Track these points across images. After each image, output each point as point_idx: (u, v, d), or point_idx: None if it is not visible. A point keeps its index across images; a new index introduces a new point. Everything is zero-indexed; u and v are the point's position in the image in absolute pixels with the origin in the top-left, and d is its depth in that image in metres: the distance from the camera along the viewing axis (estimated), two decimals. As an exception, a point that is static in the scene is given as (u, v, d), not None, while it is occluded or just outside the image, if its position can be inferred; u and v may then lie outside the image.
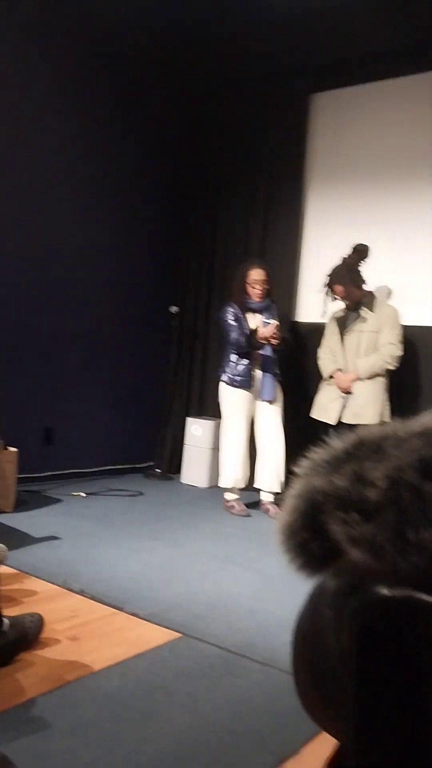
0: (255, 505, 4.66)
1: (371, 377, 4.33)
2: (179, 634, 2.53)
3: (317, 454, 0.66)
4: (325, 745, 1.05)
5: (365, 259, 4.43)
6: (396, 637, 0.58)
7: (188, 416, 5.55)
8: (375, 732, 0.59)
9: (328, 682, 0.71)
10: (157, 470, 5.49)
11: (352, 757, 0.60)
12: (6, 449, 4.11)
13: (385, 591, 0.57)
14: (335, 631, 0.65)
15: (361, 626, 0.59)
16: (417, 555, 0.57)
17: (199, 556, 3.54)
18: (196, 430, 5.35)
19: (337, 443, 0.66)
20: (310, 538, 0.65)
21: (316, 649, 0.75)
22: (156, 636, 2.50)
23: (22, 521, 3.87)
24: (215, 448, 5.04)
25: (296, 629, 0.85)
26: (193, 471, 5.35)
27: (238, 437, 4.58)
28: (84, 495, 4.64)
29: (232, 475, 4.58)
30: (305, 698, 0.82)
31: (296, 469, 0.71)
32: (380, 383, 4.35)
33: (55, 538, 3.62)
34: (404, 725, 0.58)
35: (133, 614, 2.68)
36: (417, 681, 0.57)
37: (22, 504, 4.22)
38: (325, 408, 4.46)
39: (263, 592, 3.04)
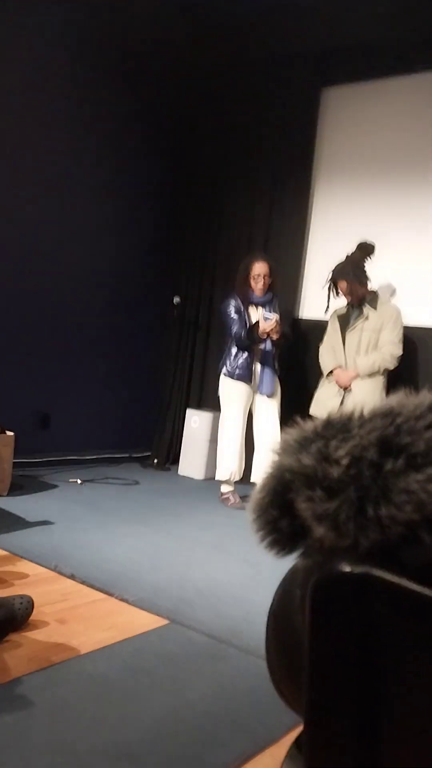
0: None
1: (371, 375, 4.34)
2: (166, 620, 2.54)
3: (289, 435, 0.68)
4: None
5: (370, 257, 4.43)
6: (351, 613, 0.59)
7: (188, 407, 5.56)
8: (326, 708, 0.60)
9: (294, 659, 0.73)
10: (155, 460, 5.50)
11: (304, 731, 0.62)
12: (3, 433, 4.13)
13: (343, 567, 0.58)
14: (302, 609, 0.67)
15: (316, 600, 0.60)
16: (376, 531, 0.58)
17: (190, 545, 3.55)
18: (195, 421, 5.37)
19: (308, 424, 0.67)
20: (279, 516, 0.66)
21: (284, 627, 0.76)
22: (144, 621, 2.52)
23: (17, 505, 3.89)
24: (213, 440, 5.05)
25: (270, 609, 0.86)
26: (190, 462, 5.36)
27: (235, 430, 4.59)
28: (79, 482, 4.66)
29: (228, 467, 4.60)
30: (274, 676, 0.84)
31: (271, 450, 0.73)
32: (379, 382, 4.36)
33: (48, 522, 3.64)
34: (356, 701, 0.59)
35: (122, 599, 2.70)
36: (370, 656, 0.58)
37: (17, 488, 4.24)
38: (324, 404, 4.46)
39: (252, 582, 3.06)
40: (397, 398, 0.67)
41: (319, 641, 0.61)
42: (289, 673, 0.75)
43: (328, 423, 0.65)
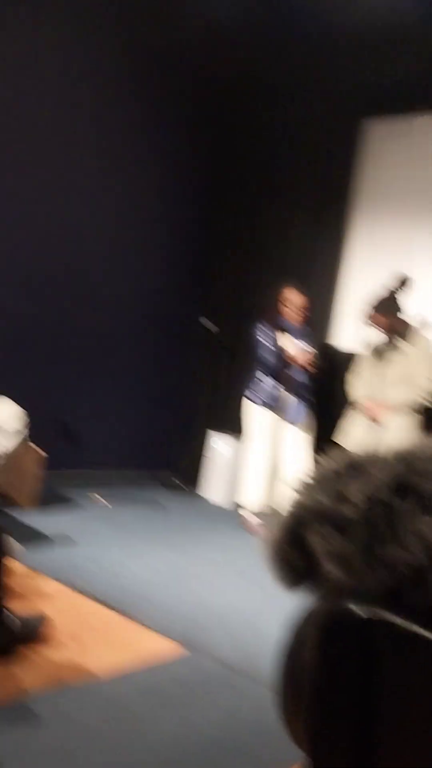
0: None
1: (403, 410, 4.28)
2: (181, 646, 2.53)
3: (310, 473, 0.68)
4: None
5: (406, 290, 4.41)
6: (356, 653, 0.58)
7: (212, 430, 5.55)
8: (326, 747, 0.60)
9: (302, 695, 0.72)
10: (176, 481, 5.50)
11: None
12: (30, 446, 4.17)
13: (350, 606, 0.58)
14: (312, 646, 0.66)
15: (322, 639, 0.59)
16: (383, 571, 0.58)
17: (210, 570, 3.53)
18: (219, 444, 5.36)
19: (330, 462, 0.67)
20: (291, 551, 0.66)
21: (295, 665, 0.76)
22: (158, 645, 2.51)
23: (39, 520, 3.92)
24: (237, 465, 5.04)
25: (282, 645, 0.86)
26: (213, 486, 5.35)
27: (260, 456, 4.57)
28: (102, 499, 4.67)
29: (252, 494, 4.58)
30: (283, 713, 0.83)
31: (291, 488, 0.73)
32: (414, 419, 4.30)
33: (69, 539, 3.66)
34: (356, 741, 0.58)
35: (139, 621, 2.69)
36: (373, 698, 0.58)
37: (40, 503, 4.27)
38: (351, 435, 4.43)
39: (270, 611, 3.01)
40: (418, 440, 0.67)
41: (323, 680, 0.60)
42: (297, 711, 0.74)
43: (348, 463, 0.65)
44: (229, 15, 4.73)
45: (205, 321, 5.53)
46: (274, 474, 4.63)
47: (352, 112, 5.24)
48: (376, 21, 4.49)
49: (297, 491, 0.70)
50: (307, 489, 0.68)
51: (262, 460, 4.57)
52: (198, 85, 5.50)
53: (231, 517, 4.81)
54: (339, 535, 0.60)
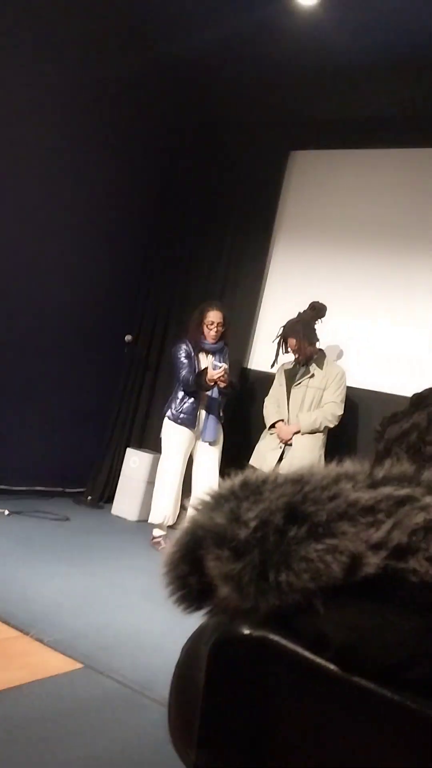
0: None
1: (311, 432, 4.42)
2: (81, 665, 2.49)
3: (209, 493, 0.70)
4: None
5: (321, 318, 4.57)
6: (245, 674, 0.60)
7: (129, 447, 5.52)
8: (219, 764, 0.61)
9: (193, 716, 0.73)
10: (88, 497, 5.42)
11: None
12: None
13: (241, 629, 0.60)
14: (203, 666, 0.68)
15: (212, 660, 0.61)
16: (275, 596, 0.60)
17: (114, 589, 3.49)
18: (134, 461, 5.33)
19: (225, 482, 0.69)
20: (188, 572, 0.67)
21: (187, 684, 0.77)
22: (58, 664, 2.46)
23: None
24: (150, 482, 5.01)
25: (176, 664, 0.87)
26: (125, 502, 5.30)
27: (173, 474, 4.57)
28: (7, 513, 4.55)
29: (162, 511, 4.56)
30: (172, 731, 0.84)
31: (188, 505, 0.75)
32: (319, 439, 4.44)
33: (-29, 552, 3.54)
34: (246, 760, 0.60)
35: (38, 639, 2.63)
36: (262, 717, 0.60)
37: None
38: (263, 456, 4.51)
39: (174, 632, 3.00)
40: (310, 466, 0.70)
41: (213, 700, 0.62)
42: (186, 729, 0.75)
43: (244, 483, 0.67)
44: (175, 52, 4.85)
45: (129, 339, 5.51)
46: (186, 492, 4.64)
47: (280, 144, 5.39)
48: (307, 63, 4.68)
49: (195, 509, 0.72)
50: (204, 507, 0.70)
51: (175, 477, 4.57)
52: (144, 116, 5.53)
53: (141, 534, 4.77)
54: (234, 558, 0.62)
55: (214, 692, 0.62)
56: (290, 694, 0.61)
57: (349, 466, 0.70)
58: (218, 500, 0.67)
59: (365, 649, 0.56)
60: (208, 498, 0.70)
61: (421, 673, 0.55)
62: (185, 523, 0.72)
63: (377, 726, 0.55)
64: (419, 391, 0.97)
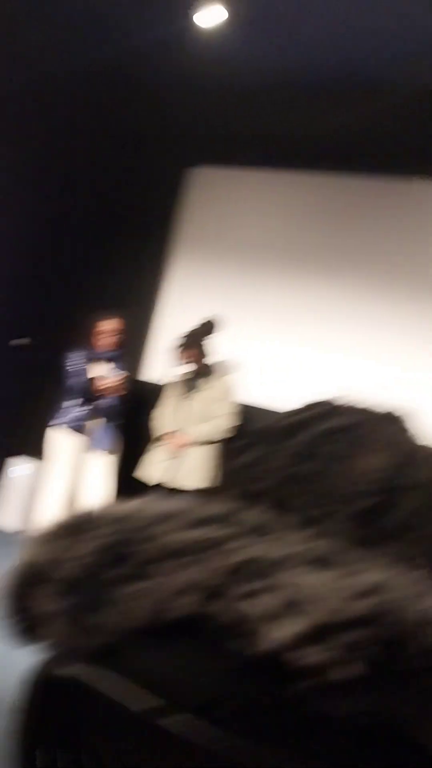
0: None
1: (202, 444, 4.45)
2: None
3: (40, 530, 0.69)
4: None
5: (213, 333, 4.62)
6: (56, 713, 0.60)
7: (11, 455, 5.34)
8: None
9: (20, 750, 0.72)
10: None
11: None
12: None
13: (55, 669, 0.60)
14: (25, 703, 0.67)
15: (26, 698, 0.61)
16: (94, 636, 0.60)
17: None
18: (16, 470, 5.18)
19: (66, 517, 0.69)
20: (20, 607, 0.67)
21: (17, 719, 0.76)
22: None
23: None
24: (34, 491, 4.89)
25: (12, 699, 0.86)
26: (5, 511, 5.13)
27: (58, 483, 4.48)
28: None
29: (45, 520, 4.45)
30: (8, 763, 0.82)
31: (32, 536, 0.74)
32: (209, 450, 4.47)
33: None
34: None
35: None
36: (73, 756, 0.60)
37: None
38: (151, 469, 4.50)
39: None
40: (139, 502, 0.71)
41: (26, 737, 0.62)
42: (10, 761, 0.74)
43: (74, 521, 0.67)
44: (82, 65, 4.77)
45: (15, 343, 5.35)
46: (72, 500, 4.55)
47: (181, 159, 5.43)
48: (212, 79, 4.73)
49: (27, 546, 0.71)
50: (36, 543, 0.70)
51: (60, 485, 4.48)
52: (55, 127, 5.39)
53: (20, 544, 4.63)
54: (56, 598, 0.62)
55: (27, 730, 0.61)
56: (98, 734, 0.61)
57: (181, 503, 0.71)
58: (48, 537, 0.67)
59: (175, 690, 0.57)
60: (41, 533, 0.69)
61: (227, 711, 0.57)
62: (21, 557, 0.71)
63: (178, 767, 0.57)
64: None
